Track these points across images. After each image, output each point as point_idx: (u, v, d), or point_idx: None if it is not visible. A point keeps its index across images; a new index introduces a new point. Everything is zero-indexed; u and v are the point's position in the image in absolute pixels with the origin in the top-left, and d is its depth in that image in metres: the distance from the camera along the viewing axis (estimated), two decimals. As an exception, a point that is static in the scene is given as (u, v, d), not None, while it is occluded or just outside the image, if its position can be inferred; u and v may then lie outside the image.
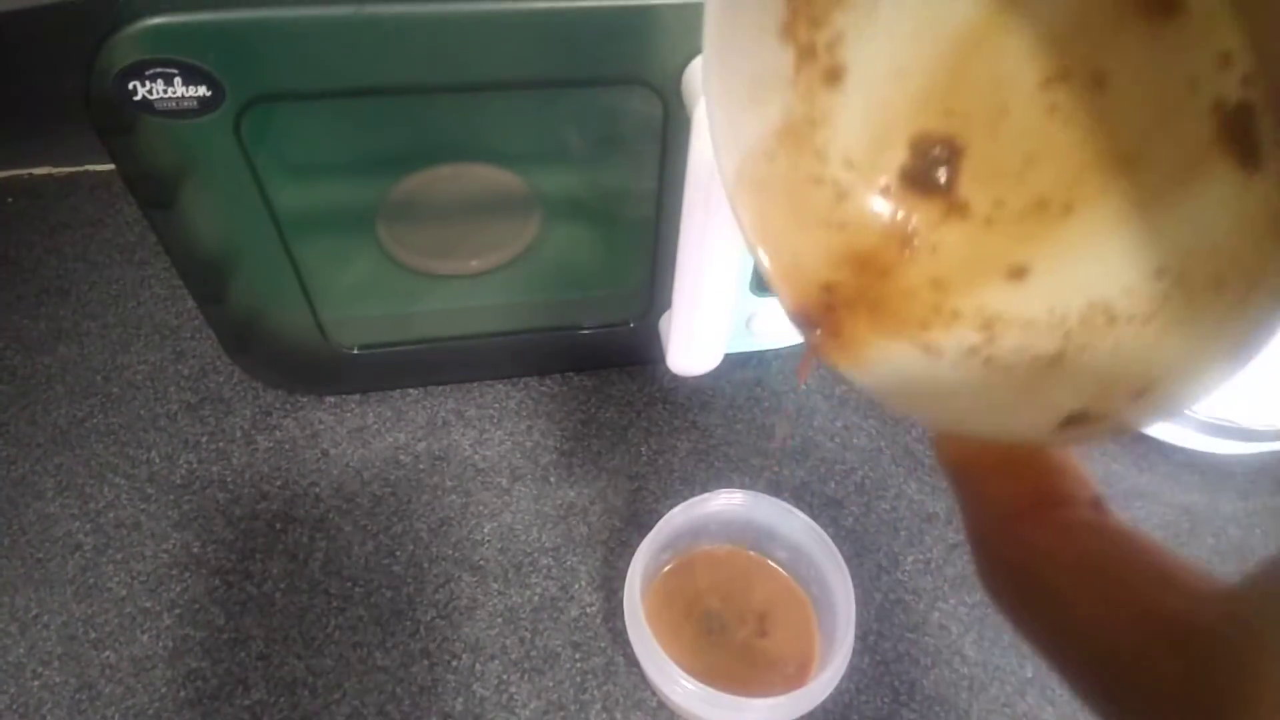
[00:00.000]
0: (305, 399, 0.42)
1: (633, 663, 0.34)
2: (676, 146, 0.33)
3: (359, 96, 0.30)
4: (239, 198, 0.32)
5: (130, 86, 0.27)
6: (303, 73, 0.28)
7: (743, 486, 0.40)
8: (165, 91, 0.27)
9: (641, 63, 0.30)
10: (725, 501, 0.35)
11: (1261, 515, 0.41)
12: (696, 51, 0.30)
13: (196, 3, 0.26)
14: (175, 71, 0.27)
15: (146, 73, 0.27)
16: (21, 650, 0.33)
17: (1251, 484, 0.42)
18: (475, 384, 0.43)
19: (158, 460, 0.39)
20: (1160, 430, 0.42)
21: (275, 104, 0.29)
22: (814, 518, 0.39)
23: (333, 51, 0.28)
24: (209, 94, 0.28)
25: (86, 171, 0.53)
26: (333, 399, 0.42)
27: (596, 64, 0.30)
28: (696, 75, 0.30)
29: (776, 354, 0.46)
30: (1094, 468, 0.42)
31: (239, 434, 0.40)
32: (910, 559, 0.38)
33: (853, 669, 0.34)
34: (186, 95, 0.28)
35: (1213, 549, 0.40)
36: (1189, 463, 0.43)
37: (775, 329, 0.43)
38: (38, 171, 0.53)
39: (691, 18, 0.29)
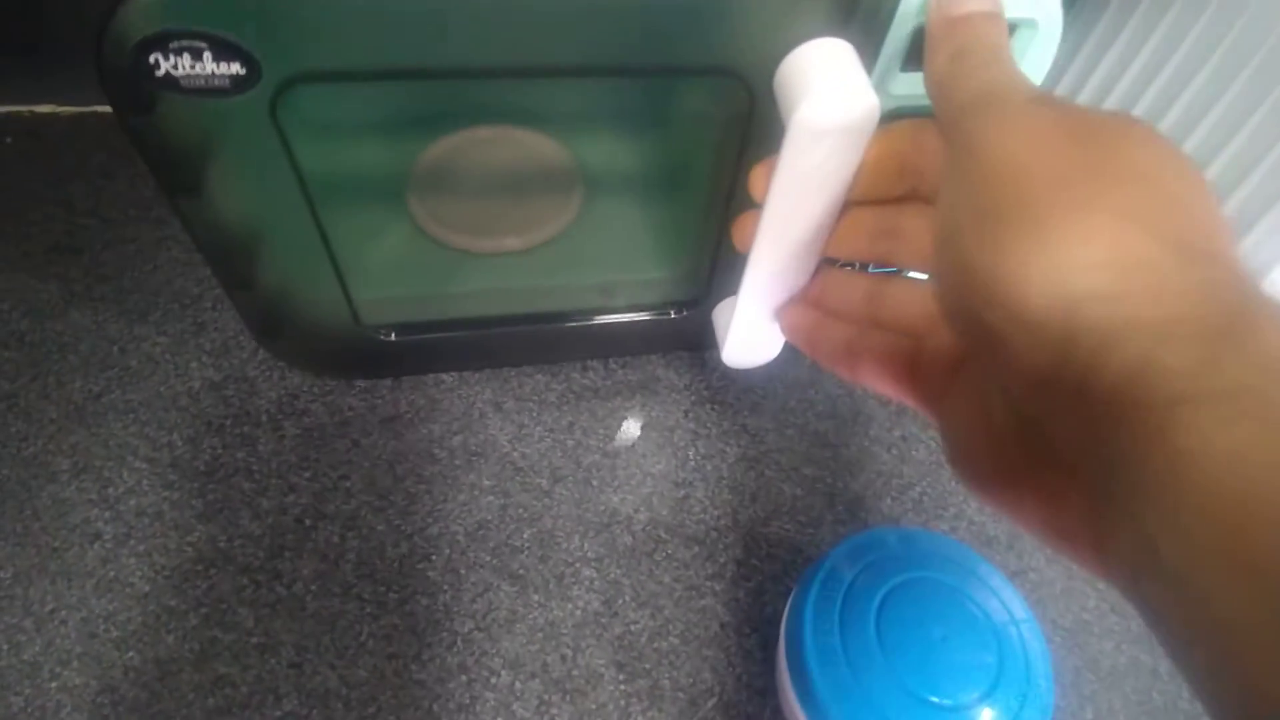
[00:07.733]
0: (333, 383, 0.39)
1: (678, 687, 0.32)
2: (760, 141, 0.29)
3: (411, 79, 0.26)
4: (271, 179, 0.29)
5: (151, 60, 0.24)
6: (349, 51, 0.25)
7: (794, 498, 0.38)
8: (193, 68, 0.24)
9: (731, 52, 0.26)
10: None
11: None
12: (795, 42, 0.27)
13: (229, -34, 0.23)
14: (204, 45, 0.24)
15: (171, 45, 0.23)
16: (37, 648, 0.32)
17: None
18: (513, 373, 0.41)
19: (180, 443, 0.37)
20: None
21: (316, 84, 0.26)
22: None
23: (385, 28, 0.24)
24: (243, 72, 0.24)
25: (95, 113, 0.49)
26: (363, 384, 0.40)
27: (681, 51, 0.27)
28: (794, 69, 0.26)
29: (832, 352, 0.43)
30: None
31: (265, 418, 0.38)
32: (967, 584, 0.36)
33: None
34: (217, 73, 0.24)
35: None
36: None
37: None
38: (40, 109, 0.49)
39: (790, 3, 0.25)
